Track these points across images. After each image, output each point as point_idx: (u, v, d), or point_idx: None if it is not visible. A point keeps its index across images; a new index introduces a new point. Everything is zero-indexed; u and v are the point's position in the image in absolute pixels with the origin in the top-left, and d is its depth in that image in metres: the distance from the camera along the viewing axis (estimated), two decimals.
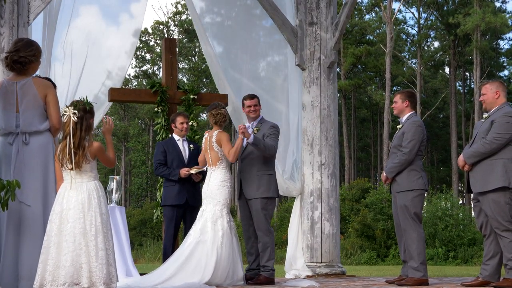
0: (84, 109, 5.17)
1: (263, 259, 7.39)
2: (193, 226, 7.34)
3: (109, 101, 9.13)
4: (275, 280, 7.61)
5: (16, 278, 5.20)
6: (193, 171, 8.01)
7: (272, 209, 7.56)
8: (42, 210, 5.22)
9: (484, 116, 6.93)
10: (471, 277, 8.49)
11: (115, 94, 9.06)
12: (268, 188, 7.43)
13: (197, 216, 7.39)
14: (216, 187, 7.29)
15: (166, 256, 8.29)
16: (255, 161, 7.47)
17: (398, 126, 7.39)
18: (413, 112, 7.36)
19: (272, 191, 7.47)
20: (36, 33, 8.86)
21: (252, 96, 7.86)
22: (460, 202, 33.97)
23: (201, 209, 7.41)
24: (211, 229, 7.16)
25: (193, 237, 7.21)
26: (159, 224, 9.43)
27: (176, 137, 8.46)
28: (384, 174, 7.28)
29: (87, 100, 5.23)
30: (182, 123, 8.45)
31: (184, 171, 8.11)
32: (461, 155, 6.84)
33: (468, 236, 24.77)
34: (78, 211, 5.04)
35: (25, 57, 5.40)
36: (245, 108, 7.84)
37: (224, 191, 7.29)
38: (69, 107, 5.15)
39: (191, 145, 8.46)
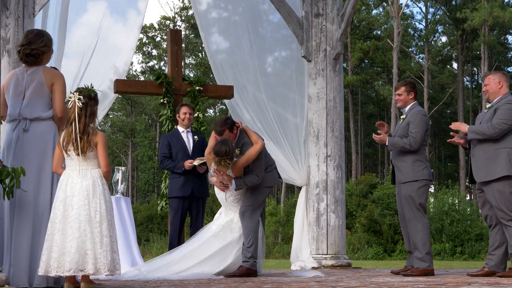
0: (89, 95, 5.18)
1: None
2: (218, 219, 7.35)
3: (115, 92, 9.15)
4: (277, 273, 7.58)
5: (13, 264, 5.22)
6: (196, 162, 8.00)
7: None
8: (33, 197, 5.23)
9: (487, 106, 6.93)
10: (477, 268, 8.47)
11: (120, 86, 9.06)
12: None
13: (217, 216, 7.41)
14: (236, 202, 7.27)
15: (172, 248, 8.30)
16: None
17: (402, 117, 7.36)
18: (416, 101, 7.35)
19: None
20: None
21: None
22: (468, 198, 33.87)
23: (220, 210, 7.46)
24: (239, 228, 7.16)
25: (215, 228, 7.24)
26: (166, 219, 9.49)
27: (180, 129, 8.46)
28: (385, 136, 7.25)
29: (91, 87, 5.24)
30: (185, 113, 8.45)
31: (187, 163, 8.11)
32: (466, 126, 6.82)
33: (475, 231, 24.68)
34: (83, 197, 5.04)
35: (37, 49, 5.46)
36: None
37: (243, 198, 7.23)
38: (74, 93, 5.16)
39: (196, 136, 8.45)
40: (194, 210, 8.37)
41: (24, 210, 5.23)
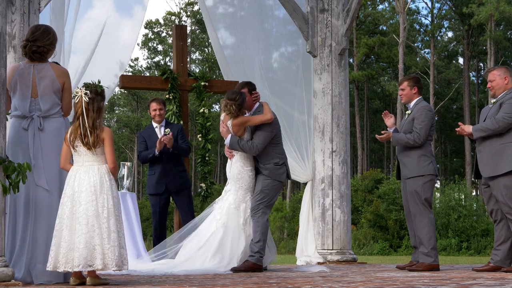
0: (96, 91, 5.19)
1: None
2: (217, 208, 7.31)
3: (120, 88, 9.17)
4: (282, 268, 7.58)
5: (31, 262, 5.25)
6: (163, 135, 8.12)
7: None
8: (58, 195, 5.25)
9: (492, 101, 6.92)
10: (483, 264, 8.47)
11: (126, 81, 9.09)
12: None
13: (222, 195, 7.38)
14: (237, 171, 7.27)
15: (155, 245, 8.41)
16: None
17: (407, 112, 7.35)
18: (421, 97, 7.35)
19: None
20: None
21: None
22: (474, 193, 33.82)
23: (225, 188, 7.41)
24: (236, 216, 7.18)
25: (219, 222, 7.21)
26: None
27: (154, 124, 8.54)
28: (389, 133, 7.26)
29: (98, 83, 5.25)
30: (155, 109, 8.50)
31: (158, 144, 8.18)
32: (470, 127, 6.85)
33: (481, 226, 24.67)
34: (91, 193, 5.05)
35: (44, 46, 5.47)
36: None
37: (245, 176, 7.25)
38: (81, 88, 5.18)
39: (167, 129, 8.47)
40: (178, 204, 8.51)
41: (51, 208, 5.25)
